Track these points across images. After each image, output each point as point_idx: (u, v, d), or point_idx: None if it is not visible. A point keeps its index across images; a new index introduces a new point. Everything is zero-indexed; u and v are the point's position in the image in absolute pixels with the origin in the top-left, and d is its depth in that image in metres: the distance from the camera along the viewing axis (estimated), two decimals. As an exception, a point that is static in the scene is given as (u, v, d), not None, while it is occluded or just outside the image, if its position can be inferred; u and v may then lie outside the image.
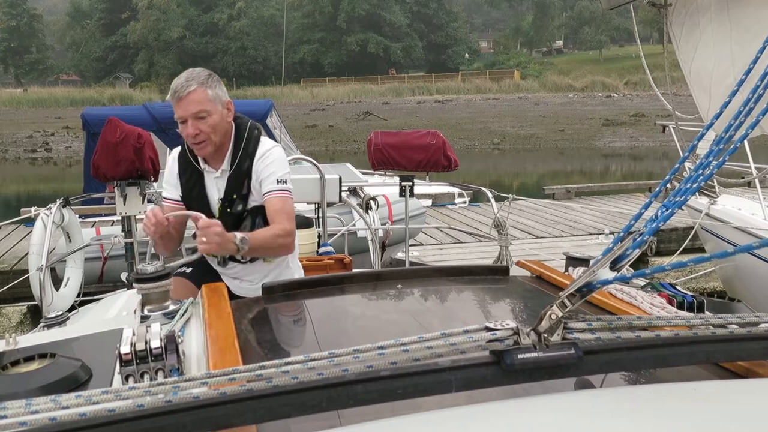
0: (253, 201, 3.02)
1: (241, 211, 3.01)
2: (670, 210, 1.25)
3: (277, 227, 2.89)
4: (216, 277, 3.10)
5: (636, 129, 38.85)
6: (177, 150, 3.16)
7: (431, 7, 76.01)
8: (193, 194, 3.04)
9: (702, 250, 7.72)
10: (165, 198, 3.14)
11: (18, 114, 48.22)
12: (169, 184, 3.13)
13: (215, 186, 3.03)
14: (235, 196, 2.99)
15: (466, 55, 77.58)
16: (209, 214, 2.93)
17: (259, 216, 2.99)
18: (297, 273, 3.32)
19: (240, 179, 2.98)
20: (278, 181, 2.96)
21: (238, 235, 2.67)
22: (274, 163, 2.99)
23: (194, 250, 2.69)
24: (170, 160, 3.16)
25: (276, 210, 2.93)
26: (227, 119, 2.96)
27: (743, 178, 6.08)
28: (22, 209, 9.33)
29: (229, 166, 2.99)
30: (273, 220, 2.92)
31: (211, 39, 70.81)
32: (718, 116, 1.60)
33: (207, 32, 71.19)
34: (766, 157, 6.68)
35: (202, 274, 3.12)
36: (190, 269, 3.17)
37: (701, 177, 1.32)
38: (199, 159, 3.03)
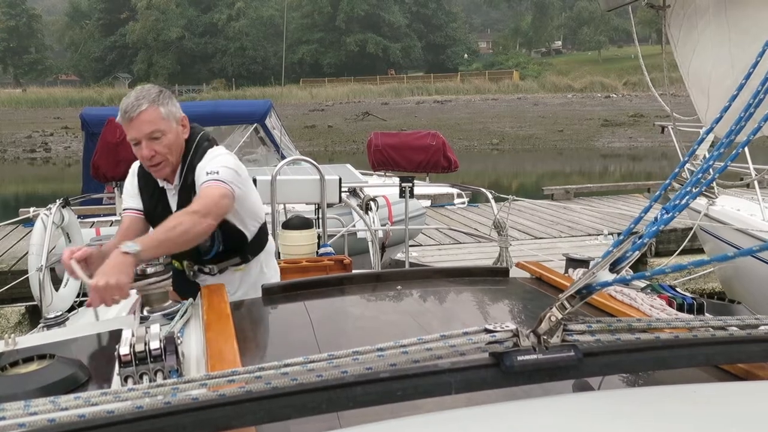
0: None
1: None
2: (670, 214, 1.25)
3: (187, 209, 2.59)
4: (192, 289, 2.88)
5: (635, 129, 38.86)
6: (136, 164, 2.98)
7: (430, 7, 76.00)
8: (158, 211, 2.86)
9: (701, 250, 7.72)
10: (126, 209, 2.95)
11: (17, 114, 48.18)
12: (129, 195, 2.96)
13: (174, 201, 2.88)
14: None
15: (465, 55, 77.58)
16: None
17: (217, 228, 2.69)
18: (275, 277, 3.19)
19: (188, 193, 2.80)
20: (206, 173, 2.71)
21: (128, 245, 2.27)
22: (207, 163, 2.78)
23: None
24: (130, 174, 3.01)
25: (199, 194, 2.70)
26: (183, 136, 2.81)
27: (742, 179, 6.09)
28: (20, 209, 9.32)
29: (179, 181, 2.85)
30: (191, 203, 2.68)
31: (210, 39, 70.77)
32: (718, 120, 1.60)
33: (206, 32, 71.16)
34: (764, 158, 6.68)
35: (181, 284, 2.94)
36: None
37: (702, 181, 1.32)
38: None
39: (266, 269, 3.14)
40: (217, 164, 2.75)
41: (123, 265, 2.17)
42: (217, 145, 2.97)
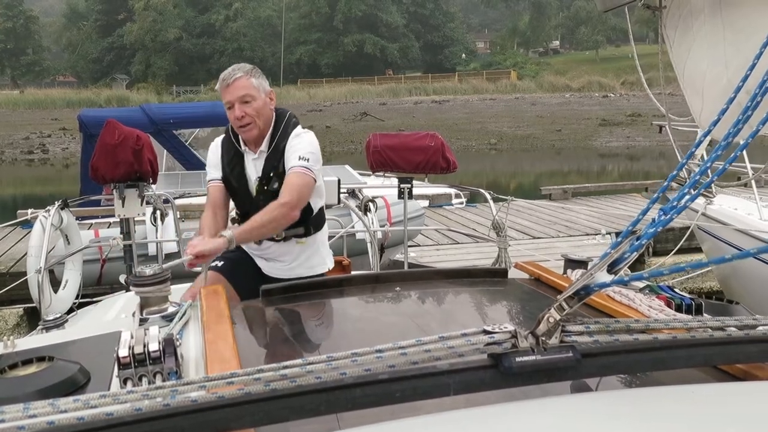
0: None
1: (277, 188, 3.18)
2: (668, 215, 1.25)
3: (277, 201, 3.08)
4: (248, 265, 3.36)
5: (633, 129, 38.90)
6: (220, 137, 3.44)
7: (428, 7, 75.99)
8: (234, 173, 3.29)
9: (699, 249, 7.73)
10: (210, 180, 3.37)
11: (14, 115, 48.10)
12: (211, 166, 3.39)
13: (254, 167, 3.28)
14: (272, 174, 3.22)
15: (463, 55, 77.59)
16: (247, 192, 3.28)
17: None
18: (328, 258, 3.53)
19: (277, 158, 3.21)
20: (299, 158, 3.16)
21: (226, 234, 2.89)
22: (301, 143, 3.22)
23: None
24: (213, 146, 3.42)
25: (287, 182, 3.14)
26: (270, 107, 3.24)
27: (740, 178, 6.09)
28: (18, 211, 9.30)
29: (267, 148, 3.24)
30: (281, 193, 3.12)
31: (208, 40, 70.68)
32: (715, 123, 1.60)
33: (204, 33, 71.06)
34: (761, 156, 6.69)
35: (234, 265, 3.32)
36: (222, 262, 3.31)
37: (701, 183, 1.32)
38: (241, 142, 3.28)
39: (322, 248, 3.51)
40: (309, 146, 3.22)
41: (215, 242, 2.83)
42: (300, 124, 3.39)
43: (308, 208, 3.31)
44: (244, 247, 3.39)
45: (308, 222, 3.36)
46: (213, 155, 3.40)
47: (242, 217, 3.31)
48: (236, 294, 3.04)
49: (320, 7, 70.74)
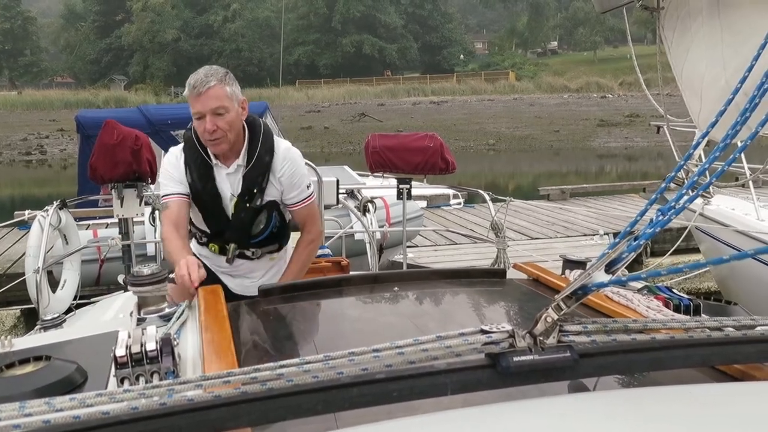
0: (269, 195, 3.06)
1: (259, 205, 3.04)
2: (666, 216, 1.25)
3: (306, 240, 3.16)
4: (212, 280, 3.05)
5: (631, 129, 38.94)
6: (178, 147, 3.13)
7: (426, 8, 76.06)
8: (207, 189, 3.01)
9: (697, 249, 7.73)
10: (168, 194, 3.04)
11: (12, 116, 48.03)
12: (171, 179, 3.04)
13: (227, 182, 3.03)
14: (255, 190, 3.01)
15: (461, 56, 77.64)
16: (221, 210, 3.03)
17: (275, 210, 3.08)
18: None
19: (260, 172, 3.00)
20: (307, 187, 3.13)
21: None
22: (298, 169, 3.09)
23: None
24: (172, 157, 3.09)
25: (305, 216, 3.16)
26: (242, 117, 2.98)
27: (737, 179, 6.10)
28: (15, 212, 9.29)
29: (245, 162, 3.00)
30: (304, 225, 3.17)
31: (206, 41, 70.67)
32: (713, 124, 1.60)
33: (202, 34, 71.05)
34: (759, 156, 6.69)
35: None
36: None
37: (699, 184, 1.32)
38: (210, 154, 3.01)
39: (285, 259, 3.34)
40: (304, 170, 3.15)
41: None
42: None
43: (284, 222, 3.21)
44: (207, 263, 3.11)
45: (282, 238, 3.25)
46: (173, 167, 3.05)
47: (212, 237, 3.11)
48: None
49: (318, 8, 70.79)
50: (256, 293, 2.36)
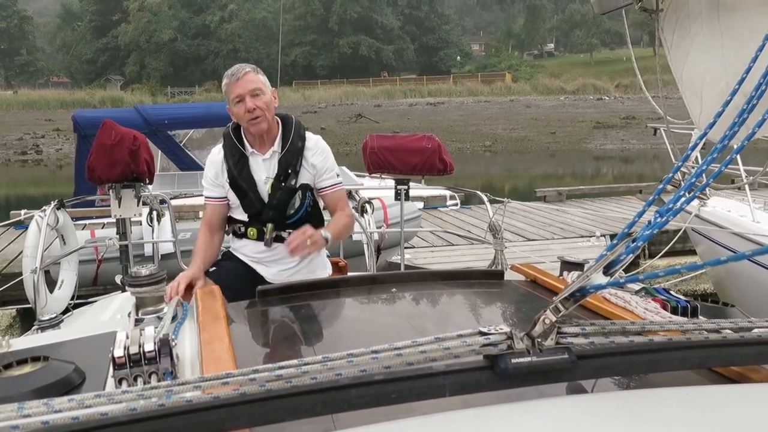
0: (303, 178, 3.29)
1: (294, 185, 3.25)
2: (664, 218, 1.25)
3: (344, 214, 3.34)
4: (242, 272, 3.32)
5: (627, 131, 39.03)
6: (218, 144, 3.39)
7: (423, 9, 76.14)
8: (242, 175, 3.25)
9: (693, 251, 7.75)
10: (207, 197, 3.36)
11: (8, 116, 47.95)
12: (210, 182, 3.34)
13: (262, 167, 3.27)
14: (290, 171, 3.25)
15: (458, 57, 77.73)
16: (256, 193, 3.25)
17: (308, 191, 3.30)
18: (327, 262, 3.57)
19: (294, 156, 3.26)
20: (337, 175, 3.40)
21: (322, 231, 3.05)
22: (329, 157, 3.37)
23: None
24: (212, 155, 3.37)
25: (337, 198, 3.38)
26: (275, 104, 3.27)
27: (734, 181, 6.11)
28: (11, 212, 9.27)
29: (281, 148, 3.27)
30: (337, 208, 3.37)
31: (203, 41, 70.62)
32: (711, 125, 1.60)
33: (198, 34, 70.99)
34: (755, 159, 6.71)
35: (225, 272, 3.26)
36: (213, 268, 3.27)
37: (696, 186, 1.32)
38: (246, 143, 3.27)
39: (323, 251, 3.50)
40: (332, 160, 3.40)
41: (319, 235, 2.97)
42: None
43: (317, 204, 3.42)
44: (238, 255, 3.37)
45: (315, 220, 3.36)
46: (212, 165, 3.34)
47: (252, 217, 3.30)
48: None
49: (315, 9, 70.78)
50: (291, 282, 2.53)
